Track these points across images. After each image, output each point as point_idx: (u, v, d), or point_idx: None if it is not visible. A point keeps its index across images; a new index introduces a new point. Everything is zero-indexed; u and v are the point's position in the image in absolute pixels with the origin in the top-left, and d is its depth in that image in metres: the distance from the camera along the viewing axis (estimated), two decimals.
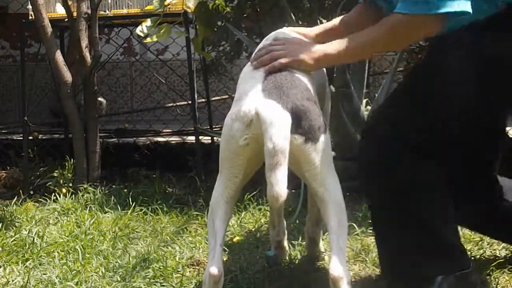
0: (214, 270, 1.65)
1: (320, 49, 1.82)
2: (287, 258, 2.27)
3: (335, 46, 1.81)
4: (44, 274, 2.23)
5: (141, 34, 3.15)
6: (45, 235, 2.61)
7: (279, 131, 1.57)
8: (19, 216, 2.96)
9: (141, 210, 2.96)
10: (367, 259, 2.26)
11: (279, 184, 1.53)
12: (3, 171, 3.90)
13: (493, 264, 2.18)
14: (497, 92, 1.80)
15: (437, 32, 1.75)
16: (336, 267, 1.59)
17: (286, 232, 2.29)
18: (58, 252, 2.43)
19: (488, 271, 2.13)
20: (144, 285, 2.11)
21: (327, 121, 2.02)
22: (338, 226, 1.64)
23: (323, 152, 1.67)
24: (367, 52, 1.94)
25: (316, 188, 1.68)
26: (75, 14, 3.43)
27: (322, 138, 1.67)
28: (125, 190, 3.30)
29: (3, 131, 4.64)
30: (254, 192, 2.93)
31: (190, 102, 3.69)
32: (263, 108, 1.60)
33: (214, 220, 1.72)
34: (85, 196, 3.20)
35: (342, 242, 1.63)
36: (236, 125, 1.65)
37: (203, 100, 4.08)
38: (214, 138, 3.92)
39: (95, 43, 3.36)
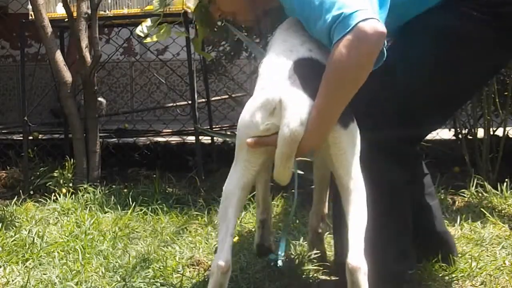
0: (222, 261, 1.64)
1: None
2: (273, 238, 2.25)
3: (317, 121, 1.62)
4: (44, 274, 2.23)
5: (141, 34, 3.14)
6: (45, 235, 2.61)
7: (297, 117, 1.58)
8: (19, 216, 2.96)
9: (141, 210, 2.96)
10: None
11: (286, 171, 1.62)
12: (3, 171, 3.90)
13: (493, 264, 2.18)
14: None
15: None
16: (354, 257, 1.58)
17: (271, 211, 2.25)
18: (58, 252, 2.43)
19: (488, 271, 2.14)
20: (144, 285, 2.11)
21: None
22: (358, 216, 1.63)
23: (352, 140, 1.67)
24: (342, 97, 1.65)
25: (341, 175, 1.67)
26: (75, 14, 3.43)
27: (351, 125, 1.67)
28: (125, 190, 3.30)
29: (3, 131, 4.64)
30: (254, 192, 2.92)
31: (190, 102, 3.69)
32: (287, 96, 1.60)
33: (227, 208, 1.69)
34: (85, 196, 3.20)
35: (360, 232, 1.61)
36: (258, 112, 1.63)
37: (203, 100, 4.08)
38: (214, 138, 3.92)
39: (95, 43, 3.36)
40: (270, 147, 1.65)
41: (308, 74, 1.67)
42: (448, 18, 1.82)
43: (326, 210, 2.18)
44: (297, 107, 1.61)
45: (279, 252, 2.17)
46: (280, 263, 2.16)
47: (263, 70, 1.77)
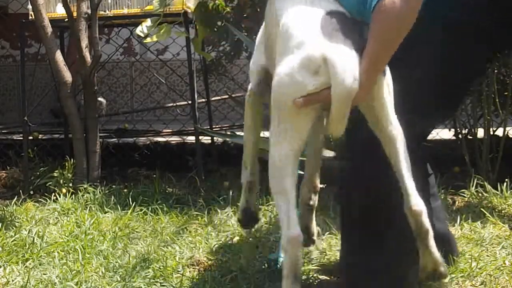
0: (295, 233, 1.55)
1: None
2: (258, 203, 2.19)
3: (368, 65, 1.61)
4: (44, 274, 2.23)
5: (141, 34, 3.15)
6: (45, 235, 2.61)
7: (350, 73, 1.53)
8: (19, 216, 2.96)
9: (141, 210, 2.96)
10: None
11: (342, 126, 1.56)
12: (3, 171, 3.90)
13: (493, 264, 2.18)
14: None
15: None
16: (415, 202, 1.58)
17: (258, 173, 2.10)
18: (58, 252, 2.43)
19: (488, 271, 2.14)
20: (144, 285, 2.11)
21: None
22: (408, 163, 1.62)
23: (389, 86, 1.65)
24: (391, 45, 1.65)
25: (384, 124, 1.64)
26: (75, 14, 3.44)
27: (388, 73, 1.65)
28: (125, 190, 3.30)
29: (3, 131, 4.64)
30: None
31: (190, 102, 3.69)
32: (331, 53, 1.54)
33: (284, 179, 1.59)
34: (85, 196, 3.20)
35: (412, 177, 1.61)
36: (300, 74, 1.55)
37: (203, 100, 4.08)
38: (214, 138, 3.92)
39: (95, 43, 3.36)
40: (314, 112, 1.59)
41: (340, 27, 1.61)
42: (446, 6, 1.81)
43: (318, 182, 2.13)
44: (347, 63, 1.54)
45: (279, 252, 2.17)
46: (280, 263, 2.16)
47: (288, 27, 1.65)
